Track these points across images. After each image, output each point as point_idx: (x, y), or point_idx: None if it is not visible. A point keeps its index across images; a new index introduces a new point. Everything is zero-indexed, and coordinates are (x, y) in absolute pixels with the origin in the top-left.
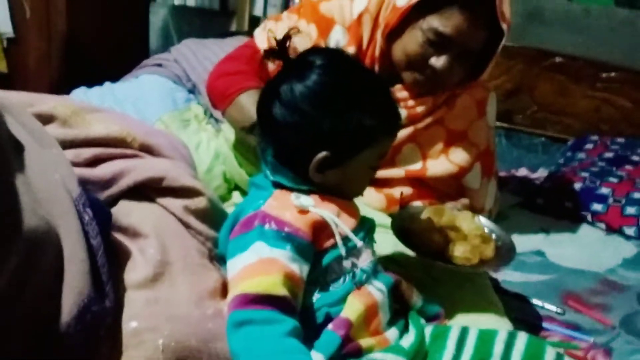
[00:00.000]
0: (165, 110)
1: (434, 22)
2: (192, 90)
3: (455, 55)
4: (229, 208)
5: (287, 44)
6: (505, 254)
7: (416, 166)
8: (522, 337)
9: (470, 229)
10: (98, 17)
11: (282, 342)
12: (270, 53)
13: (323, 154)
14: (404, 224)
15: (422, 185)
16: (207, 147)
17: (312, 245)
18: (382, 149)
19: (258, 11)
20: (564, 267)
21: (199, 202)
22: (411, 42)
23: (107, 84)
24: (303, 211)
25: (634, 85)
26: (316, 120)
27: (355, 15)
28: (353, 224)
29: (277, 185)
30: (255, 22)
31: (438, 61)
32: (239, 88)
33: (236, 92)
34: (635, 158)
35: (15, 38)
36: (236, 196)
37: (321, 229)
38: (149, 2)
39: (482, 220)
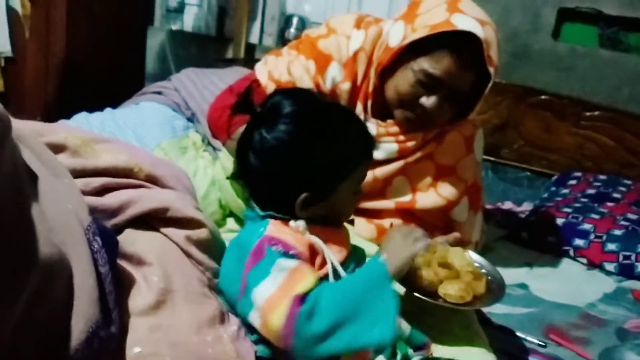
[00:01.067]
0: (165, 137)
1: (425, 64)
2: (191, 119)
3: (445, 96)
4: (224, 234)
5: (250, 97)
6: (496, 290)
7: (406, 198)
8: None
9: (462, 265)
10: (96, 40)
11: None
12: (237, 107)
13: (303, 195)
14: None
15: (411, 217)
16: (204, 174)
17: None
18: (361, 174)
19: (254, 39)
20: (547, 301)
21: (201, 233)
22: (403, 81)
23: (108, 110)
24: (300, 233)
25: (617, 124)
26: (290, 167)
27: (351, 52)
28: (343, 255)
29: (270, 216)
30: (251, 49)
31: (428, 101)
32: (238, 121)
33: (235, 126)
34: (616, 195)
35: (13, 57)
36: (231, 223)
37: (315, 254)
38: (146, 27)
39: (472, 255)
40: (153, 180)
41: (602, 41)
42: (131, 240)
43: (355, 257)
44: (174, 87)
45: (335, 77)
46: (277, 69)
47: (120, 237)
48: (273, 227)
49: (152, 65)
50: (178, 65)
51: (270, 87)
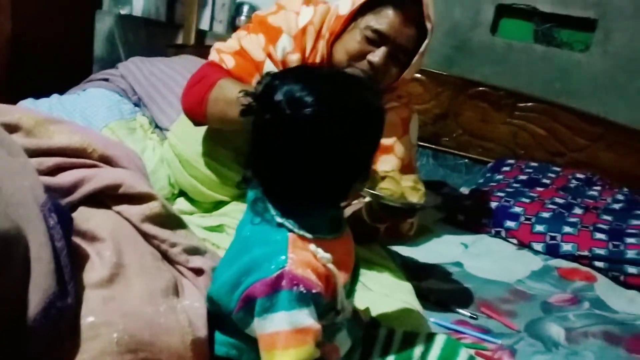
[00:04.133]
0: (112, 119)
1: (371, 21)
2: (137, 104)
3: (390, 52)
4: None
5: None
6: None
7: None
8: (439, 338)
9: (403, 178)
10: (43, 23)
11: None
12: (247, 111)
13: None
14: None
15: None
16: (153, 152)
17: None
18: None
19: (204, 25)
20: (479, 278)
21: (153, 208)
22: (351, 41)
23: (55, 96)
24: (322, 264)
25: (548, 115)
26: (339, 144)
27: (300, 26)
28: (346, 278)
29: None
30: (201, 35)
31: (375, 56)
32: (215, 79)
33: (214, 82)
34: (545, 181)
35: None
36: (180, 202)
37: (330, 283)
38: (94, 10)
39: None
40: (106, 160)
41: (537, 37)
42: (85, 217)
43: (354, 276)
44: (121, 74)
45: (286, 48)
46: (226, 44)
47: (74, 215)
48: (295, 257)
49: (101, 49)
50: (127, 50)
51: (225, 59)
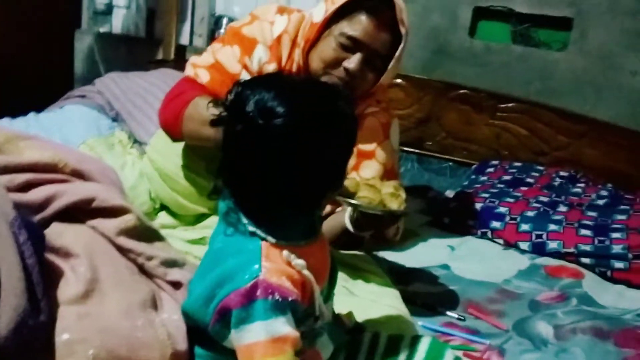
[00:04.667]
0: (90, 135)
1: (345, 27)
2: (115, 119)
3: (365, 58)
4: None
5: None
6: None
7: None
8: (425, 341)
9: (383, 185)
10: (23, 43)
11: None
12: (217, 121)
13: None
14: None
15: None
16: (132, 167)
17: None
18: None
19: (184, 40)
20: (466, 279)
21: (128, 221)
22: (326, 48)
23: (32, 114)
24: (297, 270)
25: (529, 115)
26: (308, 153)
27: (275, 35)
28: (323, 282)
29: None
30: (181, 50)
31: (350, 63)
32: (190, 97)
33: (189, 100)
34: (529, 180)
35: None
36: (163, 217)
37: (306, 289)
38: (74, 29)
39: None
40: (79, 175)
41: (515, 37)
42: (58, 233)
43: (331, 280)
44: (98, 90)
45: (262, 58)
46: (201, 58)
47: (47, 231)
48: (269, 265)
49: (81, 68)
50: (108, 68)
51: (200, 74)
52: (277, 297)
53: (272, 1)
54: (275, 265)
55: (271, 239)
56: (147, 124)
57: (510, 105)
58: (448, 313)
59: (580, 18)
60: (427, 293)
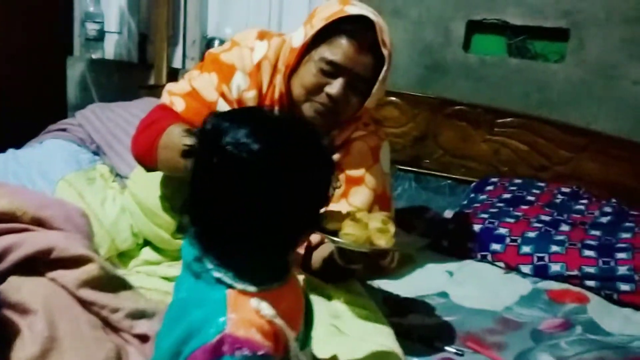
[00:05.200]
0: (70, 170)
1: (325, 52)
2: (96, 152)
3: (348, 82)
4: (140, 267)
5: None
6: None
7: None
8: None
9: (370, 218)
10: (15, 72)
11: None
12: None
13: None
14: None
15: None
16: (113, 202)
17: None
18: None
19: (177, 63)
20: (466, 308)
21: (91, 271)
22: (307, 74)
23: (11, 151)
24: (265, 318)
25: (528, 129)
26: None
27: (255, 61)
28: (298, 328)
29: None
30: (174, 74)
31: (332, 88)
32: (165, 125)
33: (164, 128)
34: (530, 198)
35: None
36: (146, 252)
37: (280, 339)
38: (65, 57)
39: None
40: (39, 223)
41: (510, 50)
42: (16, 287)
43: (307, 325)
44: (78, 123)
45: (240, 86)
46: (178, 85)
47: (4, 285)
48: (235, 317)
49: (74, 95)
50: (100, 94)
51: (176, 102)
52: (245, 352)
53: (262, 24)
54: (243, 315)
55: (239, 286)
56: (128, 157)
57: (508, 120)
58: (446, 348)
59: (576, 28)
60: (423, 325)
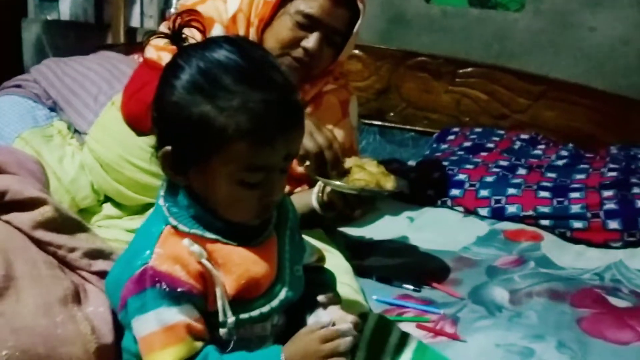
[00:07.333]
0: (25, 128)
1: (301, 5)
2: (53, 108)
3: (323, 36)
4: (102, 221)
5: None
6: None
7: None
8: (372, 318)
9: (371, 165)
10: None
11: None
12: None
13: (167, 148)
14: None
15: (292, 179)
16: (72, 159)
17: (205, 300)
18: (245, 160)
19: (135, 22)
20: (425, 250)
21: (46, 212)
22: (282, 28)
23: None
24: (196, 260)
25: (489, 79)
26: (159, 106)
27: (230, 14)
28: (250, 289)
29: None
30: (132, 33)
31: (309, 42)
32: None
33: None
34: (489, 145)
35: None
36: (108, 208)
37: (208, 283)
38: (20, 19)
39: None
40: None
41: (471, 0)
42: None
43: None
44: (34, 78)
45: None
46: (161, 39)
47: None
48: (161, 251)
49: (31, 58)
50: (57, 56)
51: (164, 57)
52: (164, 286)
53: None
54: (170, 251)
55: (173, 221)
56: (85, 113)
57: (468, 70)
58: (404, 285)
59: None
60: (383, 266)
